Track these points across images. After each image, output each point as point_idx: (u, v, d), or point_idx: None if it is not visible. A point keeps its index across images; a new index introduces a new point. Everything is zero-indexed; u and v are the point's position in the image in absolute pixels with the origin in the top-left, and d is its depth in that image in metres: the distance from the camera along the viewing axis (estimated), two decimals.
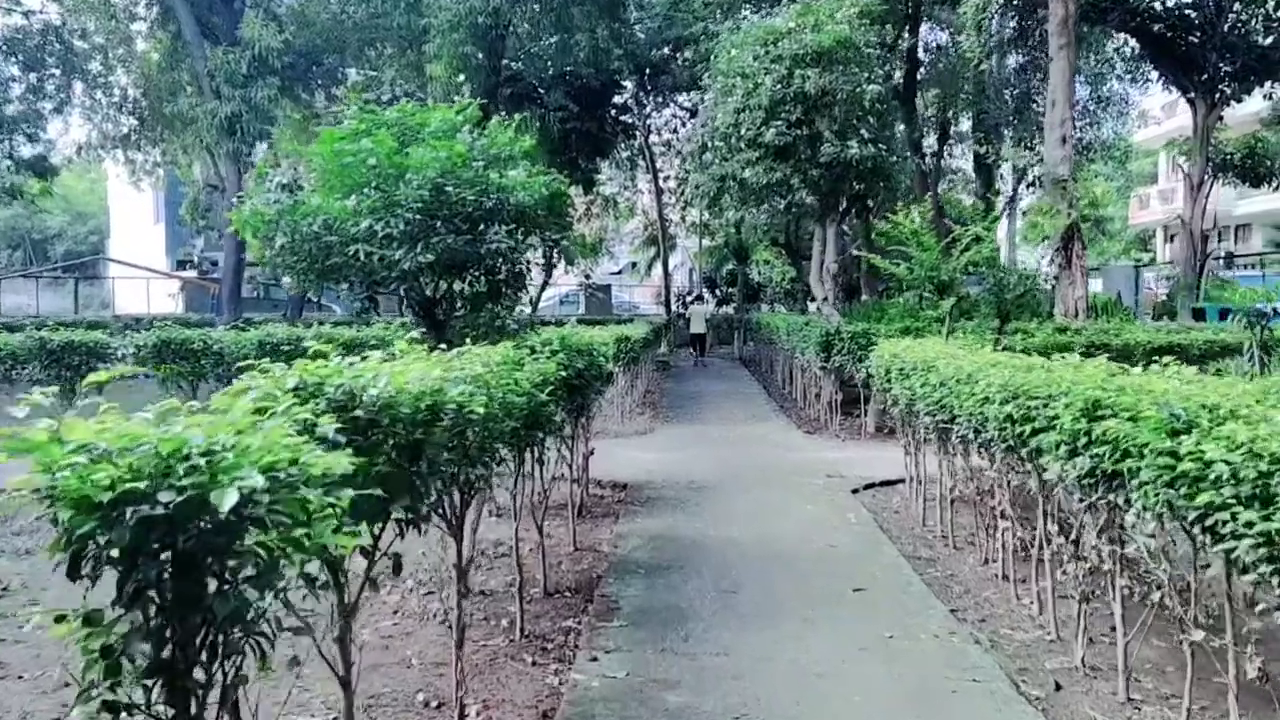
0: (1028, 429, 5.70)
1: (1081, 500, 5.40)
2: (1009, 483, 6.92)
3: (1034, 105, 29.42)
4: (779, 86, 15.35)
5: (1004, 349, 9.66)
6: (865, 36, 15.65)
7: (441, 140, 7.10)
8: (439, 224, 6.83)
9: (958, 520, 8.81)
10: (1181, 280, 22.01)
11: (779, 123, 15.35)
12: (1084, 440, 4.94)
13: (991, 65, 31.69)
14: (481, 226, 7.03)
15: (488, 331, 7.64)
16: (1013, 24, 25.30)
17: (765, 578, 7.44)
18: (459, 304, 7.76)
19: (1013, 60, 32.68)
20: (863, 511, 9.94)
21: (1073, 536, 5.73)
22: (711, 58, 17.43)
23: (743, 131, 15.75)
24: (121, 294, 48.35)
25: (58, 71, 35.79)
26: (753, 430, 16.35)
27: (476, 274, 7.29)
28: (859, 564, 7.90)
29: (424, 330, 7.72)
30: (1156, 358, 6.14)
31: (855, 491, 11.09)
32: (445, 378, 3.99)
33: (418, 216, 6.77)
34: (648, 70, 34.99)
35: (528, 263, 7.55)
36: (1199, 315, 20.66)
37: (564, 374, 6.34)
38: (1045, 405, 5.47)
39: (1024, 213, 32.49)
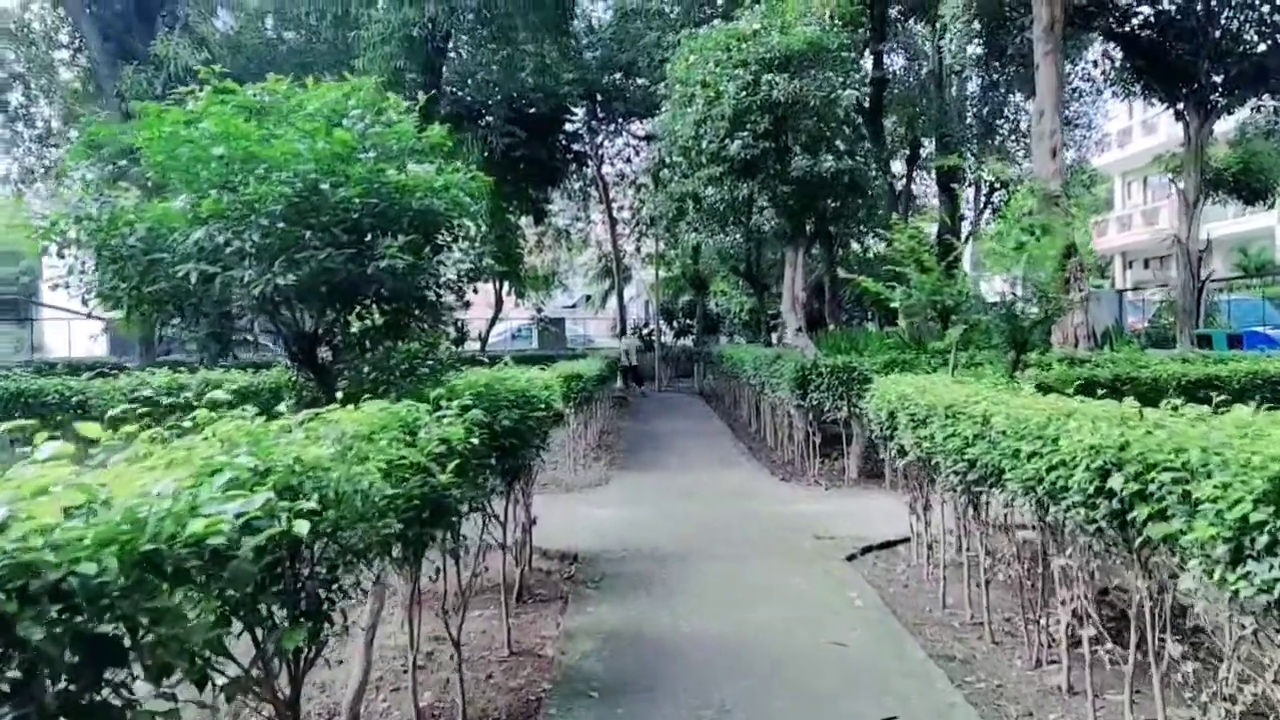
0: (1143, 513, 3.97)
1: (1233, 616, 3.67)
2: (1091, 574, 5.16)
3: (998, 125, 28.36)
4: (744, 94, 13.72)
5: (1036, 386, 7.98)
6: (838, 38, 14.10)
7: (318, 125, 5.26)
8: (309, 234, 4.97)
9: (983, 594, 7.04)
10: (1180, 304, 20.69)
11: (744, 134, 13.71)
12: (1265, 540, 3.22)
13: (952, 86, 30.69)
14: (370, 237, 5.20)
15: (381, 379, 5.78)
16: (979, 42, 24.13)
17: (759, 704, 5.60)
18: (358, 342, 5.88)
19: (974, 83, 31.76)
20: (867, 589, 8.14)
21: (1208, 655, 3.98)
22: (668, 66, 15.79)
23: (704, 145, 14.09)
24: (52, 336, 45.52)
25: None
26: (722, 478, 14.54)
27: (367, 301, 5.42)
28: (879, 674, 6.08)
29: (305, 377, 5.85)
30: (1190, 394, 4.57)
31: (851, 558, 9.30)
32: (206, 472, 2.16)
33: (280, 225, 4.91)
34: (599, 96, 33.50)
35: (436, 286, 5.67)
36: (1204, 342, 19.38)
37: (474, 441, 4.45)
38: (1183, 479, 3.74)
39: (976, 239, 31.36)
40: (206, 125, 4.97)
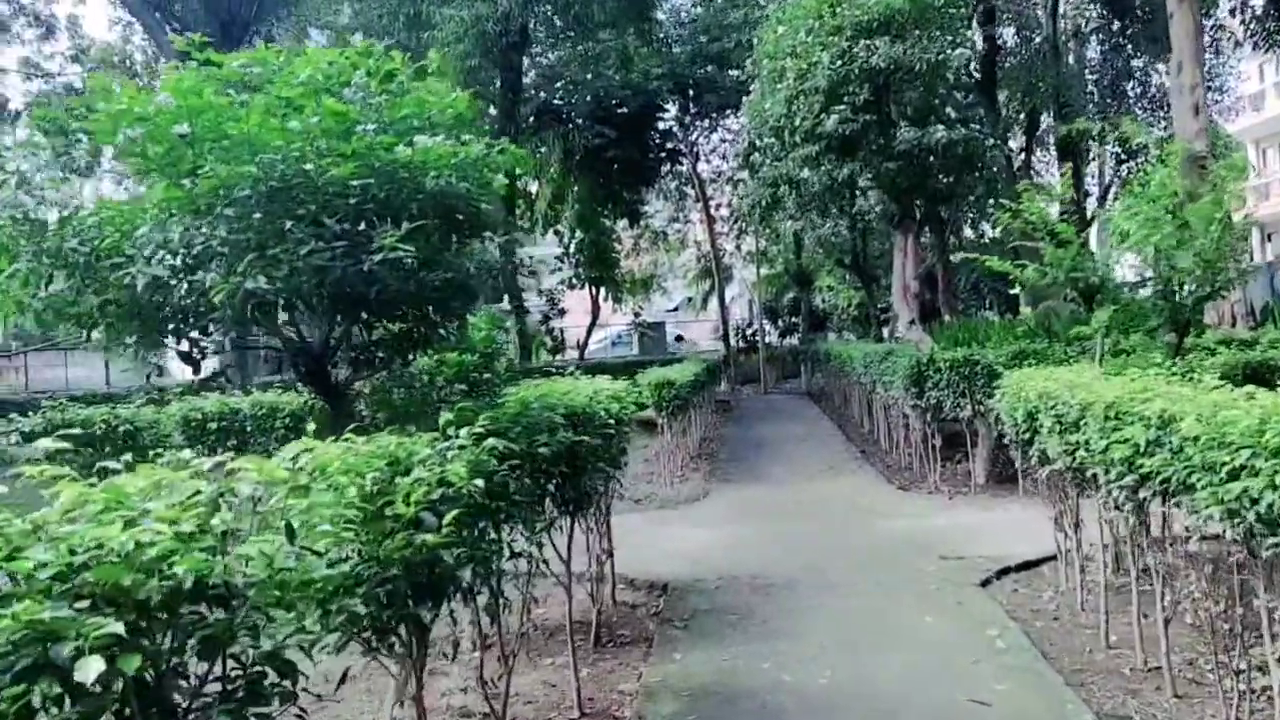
0: None
1: None
2: None
3: (1125, 89, 26.14)
4: (839, 64, 12.41)
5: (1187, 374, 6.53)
6: None
7: (304, 92, 4.31)
8: (292, 225, 4.01)
9: (1160, 633, 5.65)
10: None
11: (842, 108, 12.41)
12: None
13: (1069, 54, 28.51)
14: (370, 228, 4.21)
15: (412, 400, 4.80)
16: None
17: None
18: (368, 356, 4.92)
19: (1094, 47, 29.51)
20: (1009, 625, 6.79)
21: None
22: (756, 41, 14.56)
23: (797, 122, 12.83)
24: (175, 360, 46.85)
25: (85, 137, 34.54)
26: (833, 487, 13.23)
27: (374, 307, 4.44)
28: None
29: (317, 399, 4.92)
30: None
31: (986, 583, 7.95)
32: None
33: (255, 216, 3.97)
34: (691, 91, 32.35)
35: (463, 286, 4.64)
36: None
37: (480, 482, 3.35)
38: None
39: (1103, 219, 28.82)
40: (166, 98, 4.07)
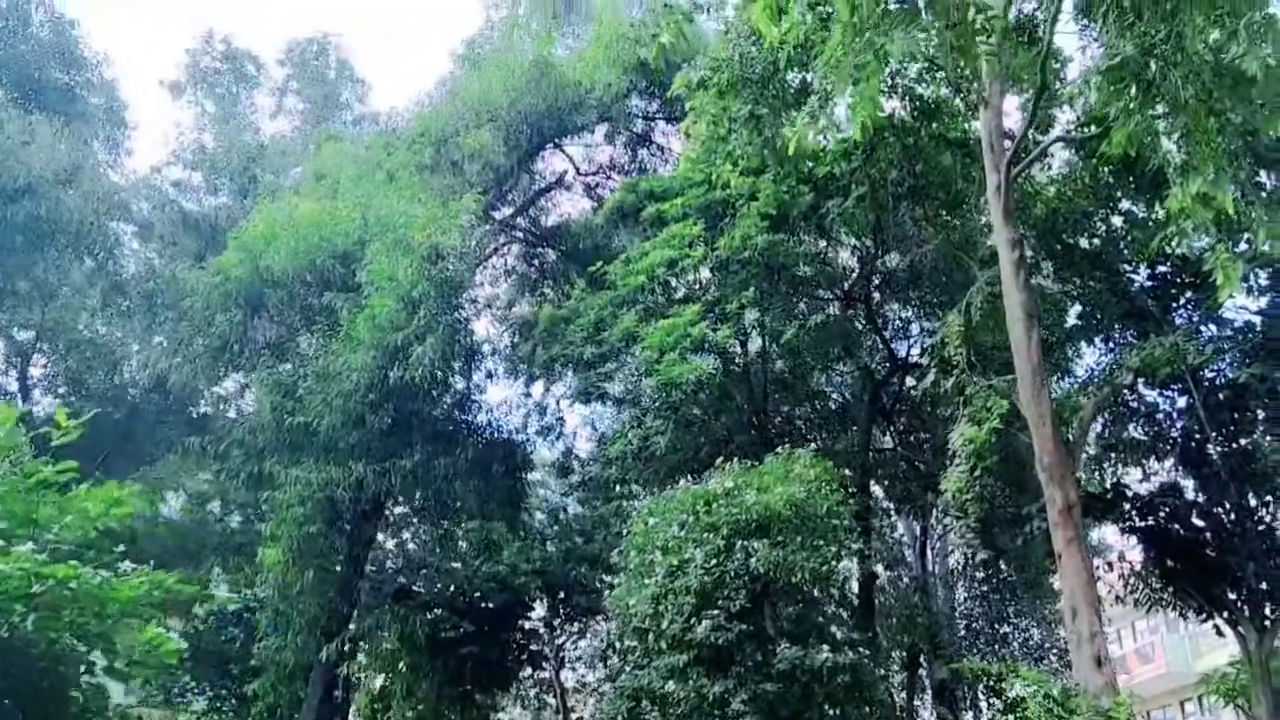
0: None
1: None
2: None
3: (1005, 634, 25.46)
4: (714, 563, 11.07)
5: None
6: (828, 500, 11.79)
7: None
8: None
9: None
10: None
11: (715, 613, 10.81)
12: None
13: (937, 596, 28.22)
14: None
15: None
16: (973, 541, 22.22)
17: None
18: None
19: (962, 592, 29.37)
20: None
21: None
22: (625, 533, 13.35)
23: (664, 625, 11.11)
24: None
25: None
26: None
27: None
28: None
29: None
30: None
31: None
32: None
33: None
34: (561, 592, 30.85)
35: None
36: None
37: None
38: None
39: None
40: None
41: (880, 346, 23.28)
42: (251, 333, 19.24)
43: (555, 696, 34.46)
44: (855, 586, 19.16)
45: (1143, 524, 17.23)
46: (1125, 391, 17.19)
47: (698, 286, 19.28)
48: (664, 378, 15.32)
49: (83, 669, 6.07)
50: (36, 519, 6.04)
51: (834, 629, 11.38)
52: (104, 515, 6.49)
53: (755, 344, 20.18)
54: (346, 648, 18.95)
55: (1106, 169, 16.98)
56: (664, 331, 15.92)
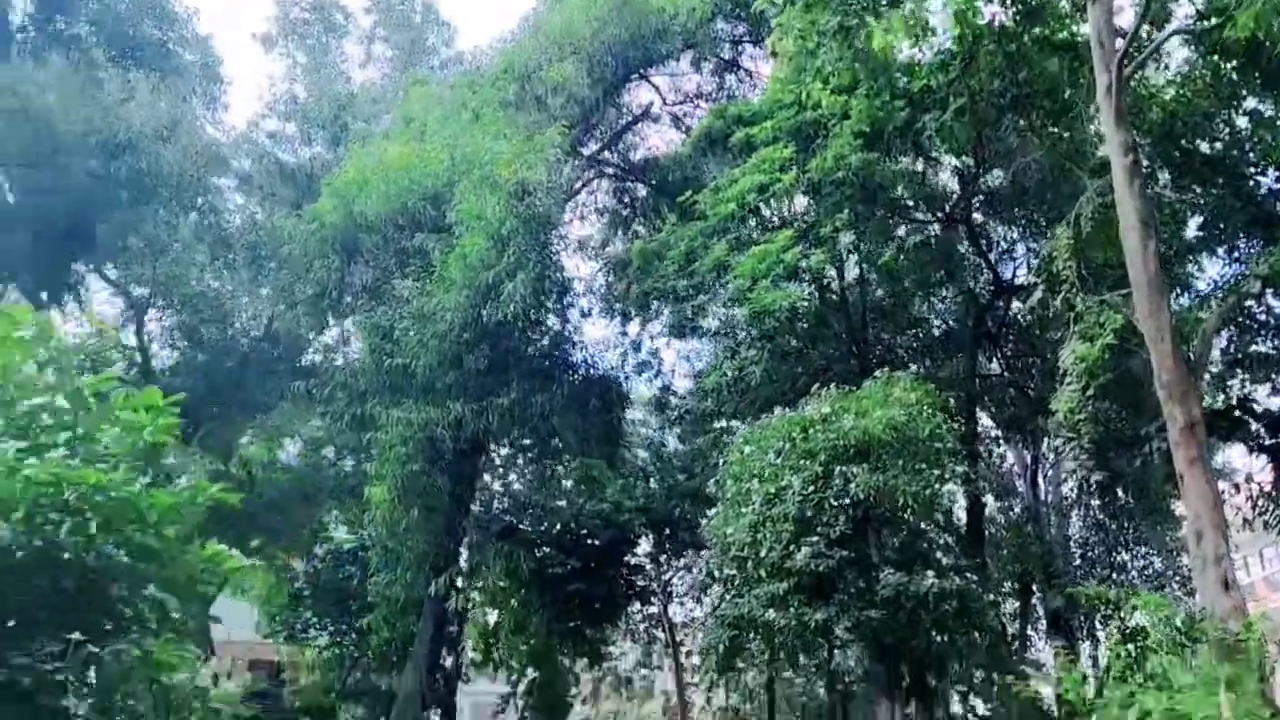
0: None
1: None
2: None
3: (1125, 561, 24.57)
4: (812, 490, 10.82)
5: None
6: (929, 423, 11.37)
7: None
8: None
9: None
10: None
11: (815, 539, 10.60)
12: None
13: (1051, 525, 27.32)
14: None
15: None
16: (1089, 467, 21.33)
17: None
18: None
19: (1076, 522, 28.38)
20: None
21: None
22: (722, 462, 13.19)
23: (763, 553, 10.95)
24: None
25: None
26: None
27: None
28: None
29: None
30: None
31: None
32: None
33: None
34: (666, 528, 31.01)
35: None
36: None
37: None
38: None
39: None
40: None
41: (984, 269, 22.43)
42: (349, 278, 19.65)
43: (664, 630, 34.94)
44: (963, 516, 18.65)
45: (1272, 441, 16.26)
46: (1252, 303, 16.18)
47: (790, 213, 18.78)
48: (757, 305, 15.00)
49: (128, 586, 6.03)
50: (76, 429, 6.11)
51: (940, 555, 11.05)
52: (150, 426, 6.42)
53: (852, 270, 19.65)
54: (456, 583, 19.44)
55: (1229, 64, 15.74)
56: (756, 258, 15.56)
